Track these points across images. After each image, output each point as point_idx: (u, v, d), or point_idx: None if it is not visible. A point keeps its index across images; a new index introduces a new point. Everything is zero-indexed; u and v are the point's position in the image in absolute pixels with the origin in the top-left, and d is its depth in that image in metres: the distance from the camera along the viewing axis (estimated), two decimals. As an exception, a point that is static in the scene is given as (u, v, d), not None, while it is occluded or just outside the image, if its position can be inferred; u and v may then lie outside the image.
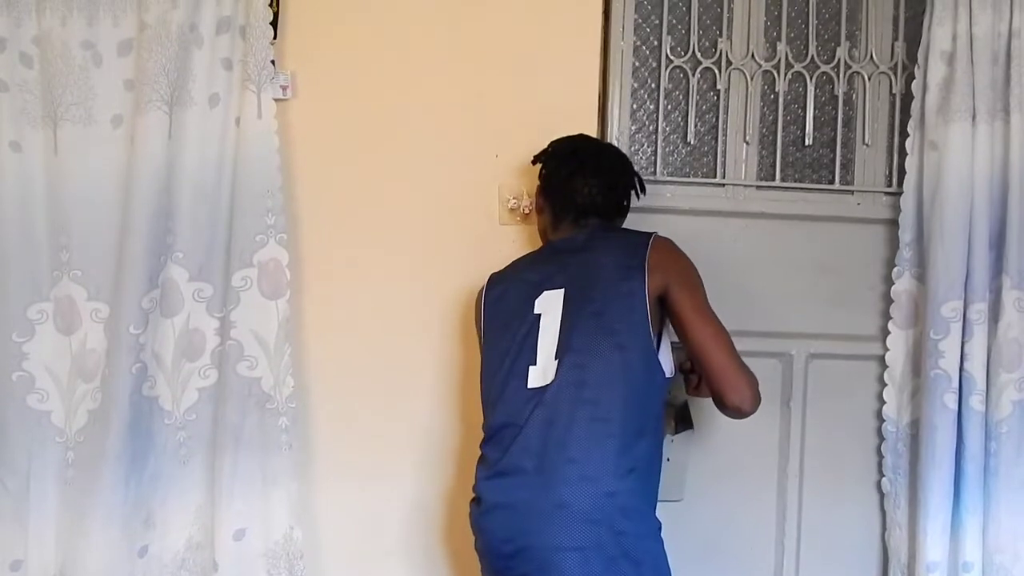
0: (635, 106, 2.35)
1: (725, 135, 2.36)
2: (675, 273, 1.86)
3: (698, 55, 2.34)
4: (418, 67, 2.22)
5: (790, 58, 2.36)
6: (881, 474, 2.34)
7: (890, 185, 2.38)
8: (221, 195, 2.09)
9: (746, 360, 1.85)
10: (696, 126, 2.36)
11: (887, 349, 2.32)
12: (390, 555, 2.22)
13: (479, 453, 1.90)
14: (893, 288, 2.30)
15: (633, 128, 2.35)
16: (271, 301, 2.10)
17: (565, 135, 2.08)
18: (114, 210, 2.10)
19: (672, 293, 1.84)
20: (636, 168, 2.10)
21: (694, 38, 2.33)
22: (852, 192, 2.39)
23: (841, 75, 2.37)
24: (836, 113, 2.38)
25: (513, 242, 2.22)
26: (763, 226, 2.35)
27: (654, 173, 2.32)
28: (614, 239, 1.95)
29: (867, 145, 2.39)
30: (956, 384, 2.18)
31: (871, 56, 2.37)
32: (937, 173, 2.21)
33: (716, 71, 2.34)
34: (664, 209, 2.26)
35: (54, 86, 2.09)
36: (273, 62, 2.12)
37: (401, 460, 2.22)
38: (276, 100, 2.12)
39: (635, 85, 2.34)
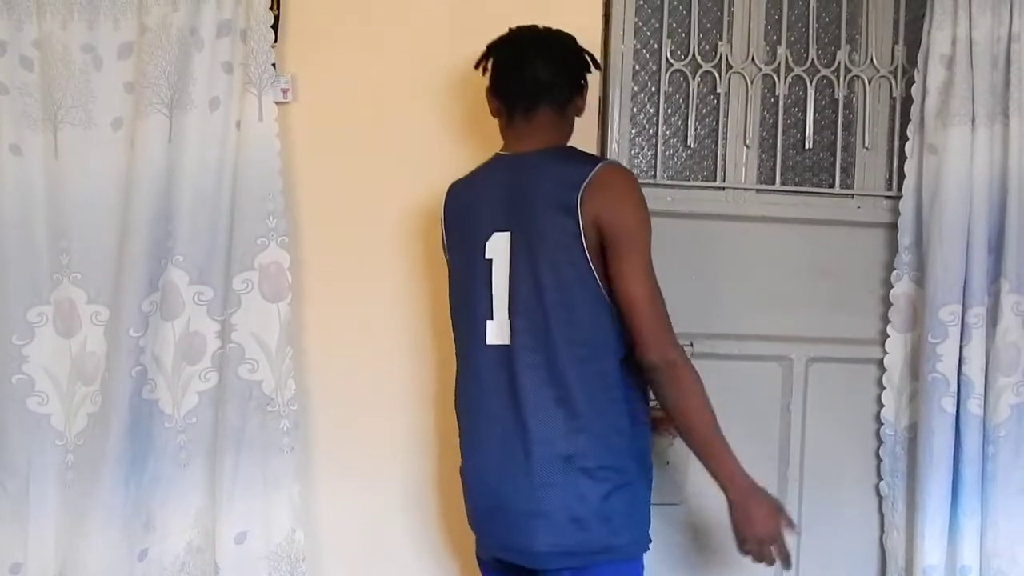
0: (635, 109, 2.35)
1: (725, 139, 2.36)
2: (608, 221, 1.73)
3: (698, 59, 2.34)
4: (418, 70, 2.21)
5: (790, 62, 2.36)
6: (879, 477, 2.34)
7: (890, 189, 2.38)
8: (222, 198, 2.09)
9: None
10: (696, 130, 2.36)
11: (886, 353, 2.32)
12: (392, 557, 2.22)
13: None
14: (892, 292, 2.30)
15: (633, 132, 2.35)
16: (272, 304, 2.10)
17: None
18: (114, 213, 2.10)
19: (606, 243, 1.73)
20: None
21: (694, 41, 2.34)
22: (852, 196, 2.39)
23: (841, 79, 2.37)
24: (836, 117, 2.39)
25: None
26: (763, 230, 2.35)
27: (654, 176, 2.32)
28: (558, 169, 1.79)
29: (867, 149, 2.39)
30: (954, 388, 2.18)
31: (871, 60, 2.38)
32: (936, 177, 2.21)
33: (716, 75, 2.34)
34: (664, 213, 2.25)
35: (54, 89, 2.09)
36: (274, 65, 2.11)
37: (402, 462, 2.22)
38: (277, 103, 2.12)
39: (635, 88, 2.34)
